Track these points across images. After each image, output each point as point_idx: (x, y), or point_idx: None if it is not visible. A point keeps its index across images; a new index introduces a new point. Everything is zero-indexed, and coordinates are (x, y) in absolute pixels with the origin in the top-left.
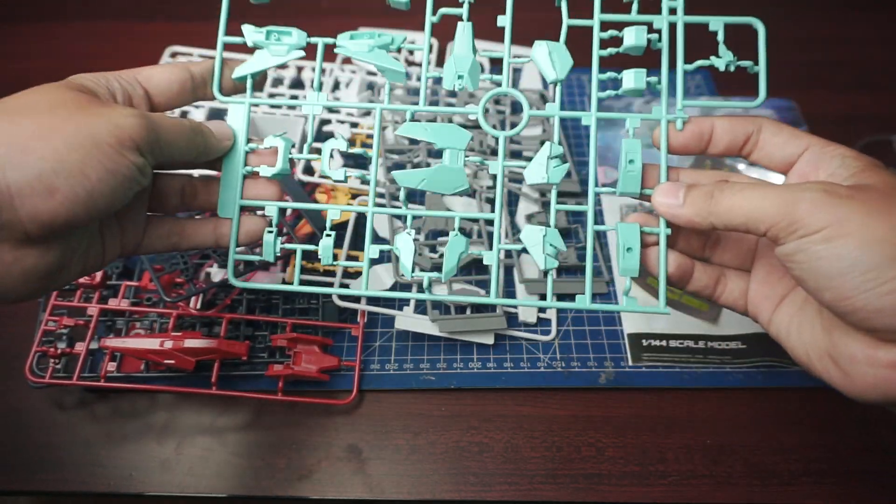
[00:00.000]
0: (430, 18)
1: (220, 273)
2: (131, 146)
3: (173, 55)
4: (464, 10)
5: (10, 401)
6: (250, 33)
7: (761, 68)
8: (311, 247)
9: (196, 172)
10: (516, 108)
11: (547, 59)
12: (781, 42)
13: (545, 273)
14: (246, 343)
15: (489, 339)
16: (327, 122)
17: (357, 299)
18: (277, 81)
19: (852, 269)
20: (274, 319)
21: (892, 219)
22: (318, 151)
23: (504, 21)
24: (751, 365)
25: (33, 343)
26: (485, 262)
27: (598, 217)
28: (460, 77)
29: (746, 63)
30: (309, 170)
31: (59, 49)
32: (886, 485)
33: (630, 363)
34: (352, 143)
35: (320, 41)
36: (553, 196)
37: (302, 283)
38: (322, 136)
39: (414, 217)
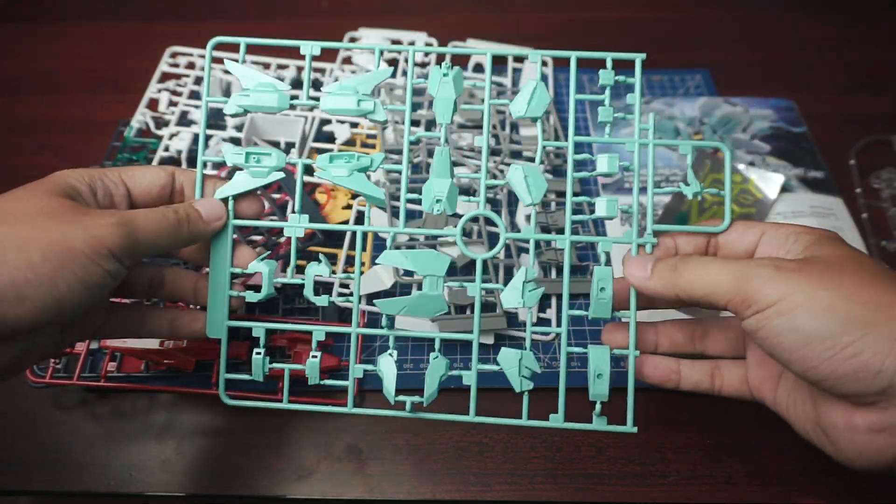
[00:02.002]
0: (408, 137)
1: None
2: (106, 254)
3: (173, 55)
4: (441, 133)
5: (10, 401)
6: (230, 154)
7: (727, 193)
8: (300, 366)
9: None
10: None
11: (523, 183)
12: (781, 42)
13: (521, 394)
14: (246, 343)
15: (489, 339)
16: (327, 122)
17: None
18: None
19: (809, 339)
20: (274, 319)
21: (837, 286)
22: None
23: (481, 141)
24: None
25: None
26: (464, 382)
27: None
28: (438, 201)
29: (712, 190)
30: (309, 170)
31: (59, 49)
32: (886, 484)
33: None
34: (352, 142)
35: (300, 162)
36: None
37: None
38: (322, 136)
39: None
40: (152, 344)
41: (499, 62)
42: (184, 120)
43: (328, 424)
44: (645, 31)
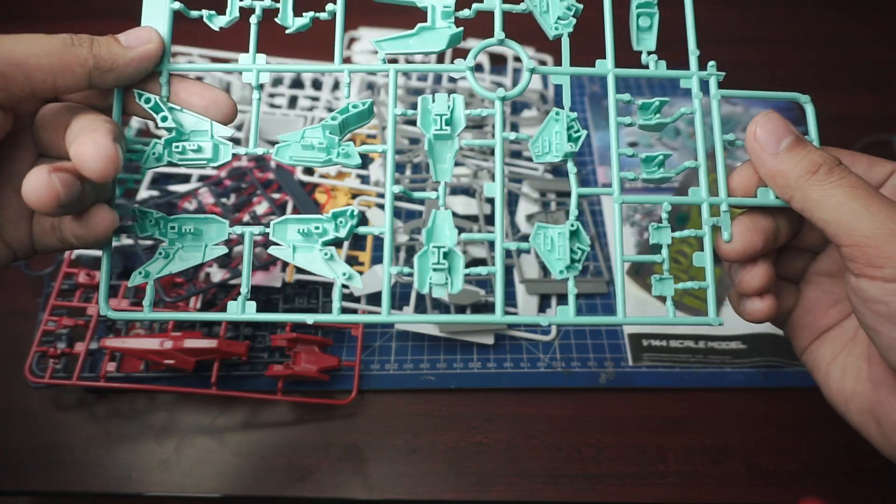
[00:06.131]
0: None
1: (219, 273)
2: None
3: (173, 55)
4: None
5: (10, 401)
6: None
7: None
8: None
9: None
10: (515, 107)
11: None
12: (782, 42)
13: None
14: (246, 343)
15: (489, 340)
16: None
17: (357, 299)
18: (277, 81)
19: None
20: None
21: None
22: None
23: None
24: (751, 365)
25: (33, 343)
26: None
27: (598, 216)
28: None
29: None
30: (309, 170)
31: None
32: (886, 484)
33: (630, 363)
34: (352, 141)
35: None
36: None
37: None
38: None
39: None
40: (152, 344)
41: (498, 62)
42: None
43: (328, 424)
44: None
